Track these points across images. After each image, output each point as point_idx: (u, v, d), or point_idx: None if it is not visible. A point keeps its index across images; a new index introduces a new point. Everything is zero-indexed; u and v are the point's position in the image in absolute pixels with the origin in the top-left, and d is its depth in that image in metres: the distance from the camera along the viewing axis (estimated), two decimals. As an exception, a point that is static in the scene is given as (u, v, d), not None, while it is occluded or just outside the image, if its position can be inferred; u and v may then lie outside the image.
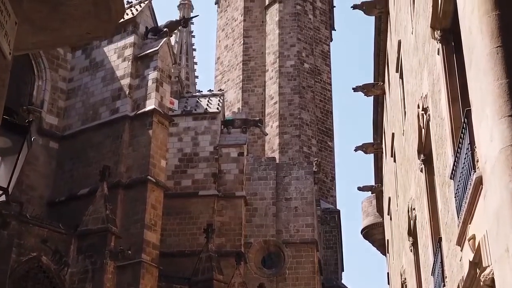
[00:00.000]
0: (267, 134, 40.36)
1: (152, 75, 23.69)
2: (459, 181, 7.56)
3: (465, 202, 7.16)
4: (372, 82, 21.88)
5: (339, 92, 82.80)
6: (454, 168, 7.81)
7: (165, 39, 24.44)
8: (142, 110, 23.35)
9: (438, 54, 9.00)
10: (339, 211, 40.83)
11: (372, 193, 28.41)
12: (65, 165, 24.31)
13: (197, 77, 56.89)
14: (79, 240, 20.30)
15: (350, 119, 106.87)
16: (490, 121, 5.98)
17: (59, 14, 4.29)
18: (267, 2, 46.80)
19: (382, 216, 27.24)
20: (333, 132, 45.08)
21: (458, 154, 7.52)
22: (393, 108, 18.28)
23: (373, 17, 19.71)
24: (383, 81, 20.99)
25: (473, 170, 6.75)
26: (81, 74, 25.48)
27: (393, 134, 18.42)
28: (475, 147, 6.67)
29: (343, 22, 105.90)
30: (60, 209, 23.32)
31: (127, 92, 23.87)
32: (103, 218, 20.28)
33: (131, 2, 26.18)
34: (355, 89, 21.94)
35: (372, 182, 27.18)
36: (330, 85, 46.55)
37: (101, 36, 4.48)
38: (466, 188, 7.13)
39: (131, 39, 24.69)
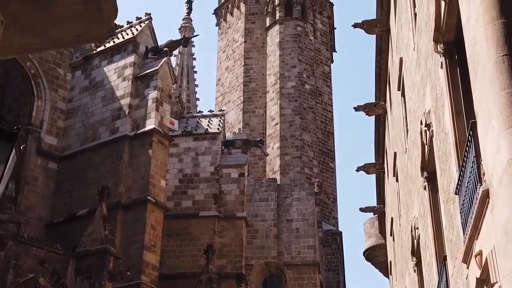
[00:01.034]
0: (268, 154, 40.20)
1: (152, 94, 23.58)
2: (465, 196, 7.38)
3: (471, 217, 6.98)
4: (374, 101, 21.76)
5: (340, 112, 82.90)
6: (459, 183, 7.64)
7: (165, 58, 24.35)
8: (142, 130, 23.20)
9: (442, 68, 8.86)
10: (341, 232, 40.55)
11: (374, 214, 28.21)
12: (64, 185, 24.11)
13: (198, 99, 56.87)
14: (77, 261, 20.04)
15: (351, 139, 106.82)
16: (496, 132, 5.81)
17: (48, 14, 4.10)
18: (267, 24, 46.89)
19: (385, 238, 27.02)
20: (335, 153, 44.93)
21: (463, 168, 7.35)
22: (395, 127, 18.15)
23: (374, 36, 19.63)
24: (385, 100, 20.89)
25: (479, 184, 6.57)
26: (80, 94, 25.38)
27: (395, 153, 18.27)
28: (481, 160, 6.51)
29: (344, 42, 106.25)
30: (58, 230, 23.09)
31: (126, 112, 23.74)
32: (101, 239, 20.03)
33: (131, 22, 26.15)
34: (357, 109, 21.81)
35: (374, 203, 26.99)
36: (331, 106, 46.49)
37: (93, 39, 4.29)
38: (472, 203, 6.95)
39: (131, 58, 24.61)
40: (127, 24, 26.20)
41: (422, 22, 10.61)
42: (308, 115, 43.52)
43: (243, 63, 46.35)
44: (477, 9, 6.46)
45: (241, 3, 48.58)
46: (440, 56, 8.92)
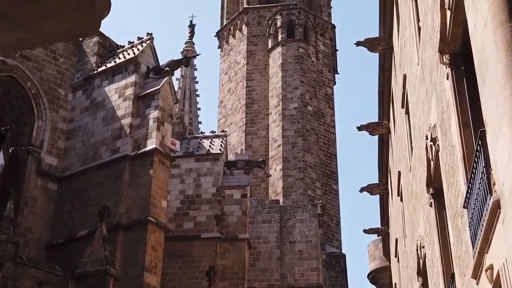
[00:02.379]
0: (270, 175, 39.95)
1: (153, 114, 23.43)
2: (474, 208, 7.18)
3: (481, 230, 6.77)
4: (377, 121, 21.65)
5: (343, 133, 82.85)
6: (468, 195, 7.44)
7: (166, 78, 24.23)
8: (143, 150, 22.99)
9: (447, 79, 8.71)
10: (345, 255, 40.14)
11: (378, 236, 28.00)
12: (64, 206, 23.87)
13: (200, 122, 56.87)
14: (77, 282, 19.73)
15: (354, 160, 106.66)
16: (508, 139, 5.61)
17: (38, 8, 3.89)
18: (270, 45, 46.90)
19: (389, 260, 26.76)
20: (338, 175, 44.65)
21: (472, 180, 7.15)
22: (398, 146, 18.05)
23: (376, 56, 19.54)
24: (388, 120, 20.79)
25: (489, 195, 6.38)
26: (81, 114, 25.23)
27: (399, 172, 18.15)
28: (491, 170, 6.32)
29: (346, 64, 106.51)
30: (58, 251, 22.80)
31: (127, 132, 23.56)
32: (101, 260, 19.74)
33: (133, 42, 26.07)
34: (360, 128, 21.69)
35: (378, 224, 26.76)
36: (334, 128, 46.32)
37: (85, 33, 4.07)
38: (482, 215, 6.74)
39: (132, 78, 24.49)
40: (128, 44, 26.12)
41: (427, 35, 10.50)
42: (310, 137, 43.35)
43: (245, 85, 46.29)
44: (485, 14, 6.31)
45: (243, 26, 48.66)
46: (446, 67, 8.78)
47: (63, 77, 25.71)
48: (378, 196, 25.03)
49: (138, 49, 25.26)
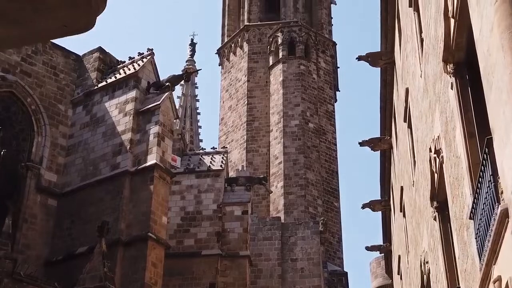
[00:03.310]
0: (272, 191, 39.78)
1: (154, 129, 23.30)
2: (480, 219, 7.03)
3: (488, 241, 6.62)
4: (379, 136, 21.57)
5: (344, 150, 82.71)
6: (474, 206, 7.30)
7: (167, 93, 24.13)
8: (143, 165, 22.84)
9: (452, 88, 8.60)
10: (347, 273, 39.85)
11: (380, 253, 27.76)
12: (63, 223, 23.67)
13: (201, 140, 56.73)
14: (76, 299, 19.51)
15: (356, 177, 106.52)
16: (516, 145, 5.47)
17: (32, 2, 3.74)
18: (271, 63, 46.91)
19: (392, 278, 26.54)
20: (339, 192, 44.48)
21: (478, 190, 7.01)
22: (401, 161, 17.98)
23: (377, 72, 19.49)
24: (390, 135, 20.71)
25: (497, 204, 6.24)
26: (81, 130, 25.11)
27: (401, 187, 18.05)
28: (499, 178, 6.17)
29: (347, 81, 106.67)
30: (57, 268, 22.57)
31: (128, 147, 23.43)
32: (100, 276, 19.52)
33: (133, 57, 26.02)
34: (362, 144, 21.62)
35: (380, 241, 26.57)
36: (335, 145, 46.19)
37: (80, 30, 3.92)
38: (489, 226, 6.59)
39: (132, 93, 24.39)
40: (129, 60, 26.07)
41: (430, 46, 10.41)
42: (312, 154, 43.21)
43: (246, 102, 46.25)
44: (491, 19, 6.20)
45: (244, 43, 48.70)
46: (450, 76, 8.67)
47: (63, 93, 25.64)
48: (380, 213, 24.89)
49: (139, 65, 25.20)
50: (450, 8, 8.06)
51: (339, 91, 51.17)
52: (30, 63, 25.00)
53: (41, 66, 25.25)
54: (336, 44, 50.82)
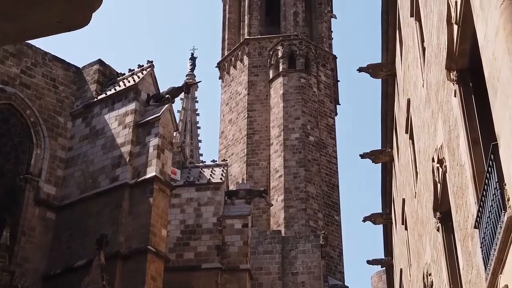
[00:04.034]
0: (272, 204, 39.62)
1: (153, 141, 23.17)
2: (486, 227, 6.90)
3: (495, 250, 6.48)
4: (380, 148, 21.50)
5: (345, 164, 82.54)
6: (479, 214, 7.16)
7: (167, 105, 24.02)
8: (143, 178, 22.68)
9: (455, 96, 8.49)
10: (348, 287, 39.61)
11: (382, 267, 27.62)
12: (62, 236, 23.48)
13: (201, 155, 56.60)
14: (74, 313, 19.30)
15: (356, 190, 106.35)
16: (523, 151, 5.36)
17: (26, -3, 3.62)
18: (271, 76, 46.87)
19: (393, 292, 26.37)
20: (340, 206, 44.30)
21: (483, 198, 6.88)
22: (402, 173, 17.90)
23: (378, 87, 19.45)
24: (391, 148, 20.64)
25: (503, 211, 6.10)
26: (80, 143, 24.97)
27: (403, 200, 17.96)
28: (505, 185, 6.05)
29: (348, 95, 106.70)
30: (56, 282, 22.37)
31: (127, 160, 23.28)
32: (99, 290, 19.34)
33: (133, 69, 25.94)
34: (363, 156, 21.56)
35: (381, 255, 26.41)
36: (336, 158, 46.06)
37: (75, 26, 3.80)
38: (495, 234, 6.46)
39: (132, 106, 24.28)
40: (129, 72, 25.99)
41: (432, 54, 10.34)
42: (312, 167, 43.07)
43: (246, 116, 46.18)
44: (496, 22, 6.10)
45: (244, 56, 48.71)
46: (453, 84, 8.57)
47: (62, 105, 25.53)
48: (381, 226, 24.78)
49: (139, 77, 25.11)
50: (453, 14, 7.98)
51: (340, 104, 51.17)
52: (30, 75, 24.93)
53: (41, 78, 25.17)
54: (337, 58, 50.88)
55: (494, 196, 6.40)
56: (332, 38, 51.87)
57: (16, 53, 24.81)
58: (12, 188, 23.47)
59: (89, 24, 3.77)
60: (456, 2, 7.77)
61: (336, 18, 53.60)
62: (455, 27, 8.01)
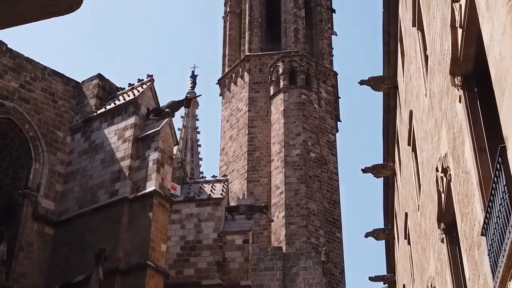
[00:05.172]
0: (273, 220, 39.39)
1: (153, 156, 22.99)
2: (494, 234, 6.71)
3: (503, 256, 6.30)
4: (382, 163, 21.37)
5: (346, 181, 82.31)
6: (486, 221, 6.97)
7: (166, 119, 23.88)
8: (142, 192, 22.47)
9: (460, 102, 8.34)
10: (349, 305, 39.27)
11: (384, 284, 27.38)
12: (60, 251, 23.23)
13: (202, 172, 56.44)
14: (72, 329, 19.02)
15: (358, 207, 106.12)
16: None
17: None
18: (271, 92, 46.82)
19: (396, 310, 26.10)
20: (341, 223, 44.06)
21: (490, 203, 6.70)
22: (405, 186, 17.77)
23: (380, 102, 19.36)
24: (393, 162, 20.52)
25: (512, 216, 5.90)
26: (80, 157, 24.79)
27: (406, 213, 17.82)
28: (514, 188, 5.86)
29: (349, 111, 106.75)
30: (54, 298, 22.11)
31: (126, 174, 23.08)
32: (98, 306, 19.08)
33: (133, 84, 25.84)
34: (364, 170, 21.43)
35: (384, 271, 26.19)
36: (337, 175, 45.88)
37: (65, 10, 3.63)
38: (504, 239, 6.26)
39: (132, 120, 24.12)
40: (128, 86, 25.89)
41: (435, 62, 10.22)
42: (313, 184, 42.87)
43: (247, 132, 46.06)
44: (503, 20, 5.95)
45: (245, 73, 48.70)
46: (458, 89, 8.42)
47: (62, 120, 25.39)
48: (383, 242, 24.62)
49: (138, 91, 24.99)
50: (457, 18, 7.85)
51: (340, 121, 51.04)
52: (29, 89, 24.81)
53: (40, 92, 25.05)
54: (337, 74, 50.88)
55: (502, 200, 6.24)
56: (333, 55, 51.93)
57: (15, 67, 24.72)
58: (10, 203, 23.27)
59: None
60: (460, 5, 7.64)
61: (336, 35, 53.71)
62: (460, 31, 7.88)
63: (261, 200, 41.56)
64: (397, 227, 21.40)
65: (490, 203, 6.70)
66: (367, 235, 23.37)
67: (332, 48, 52.20)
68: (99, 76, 26.37)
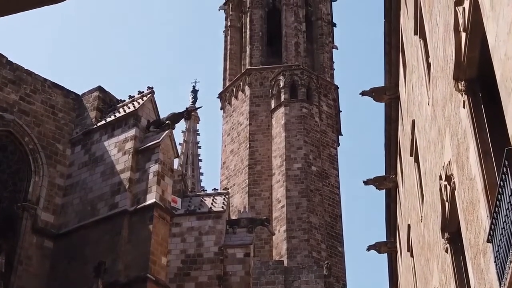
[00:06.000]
0: (275, 233, 39.15)
1: (153, 168, 22.83)
2: (500, 240, 6.56)
3: (510, 262, 6.15)
4: (384, 175, 21.25)
5: (348, 193, 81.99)
6: (492, 227, 6.81)
7: (167, 131, 23.74)
8: (142, 204, 22.28)
9: (464, 107, 8.21)
10: (352, 319, 38.96)
11: (387, 297, 27.12)
12: (60, 264, 23.00)
13: (203, 187, 56.24)
14: None
15: (360, 220, 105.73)
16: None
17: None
18: (273, 106, 46.74)
19: (399, 325, 25.85)
20: (343, 236, 43.79)
21: (497, 208, 6.54)
22: (407, 198, 17.64)
23: (382, 118, 19.26)
24: (395, 173, 20.38)
25: (519, 220, 5.75)
26: (80, 170, 24.63)
27: (408, 225, 17.67)
28: (521, 192, 5.71)
29: (350, 124, 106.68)
30: (52, 312, 21.88)
31: (126, 186, 22.91)
32: (97, 319, 18.86)
33: (133, 96, 25.75)
34: (366, 182, 21.30)
35: (386, 286, 25.97)
36: (338, 189, 45.68)
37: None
38: (511, 245, 6.10)
39: (132, 132, 23.98)
40: (129, 98, 25.80)
41: (438, 69, 10.11)
42: (315, 197, 42.67)
43: (248, 146, 45.92)
44: (508, 20, 5.85)
45: (246, 87, 48.66)
46: (461, 94, 8.30)
47: (61, 132, 25.26)
48: (386, 256, 24.43)
49: (139, 103, 24.88)
50: (460, 21, 7.74)
51: (342, 135, 50.92)
52: (29, 102, 24.71)
53: (40, 105, 24.94)
54: (338, 88, 50.82)
55: (509, 204, 6.09)
56: (334, 69, 51.91)
57: (15, 79, 24.63)
58: (10, 216, 23.08)
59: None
60: (464, 8, 7.53)
61: (337, 49, 53.75)
62: (463, 35, 7.77)
63: (262, 214, 41.32)
64: (400, 239, 21.25)
65: (496, 208, 6.55)
66: (369, 248, 23.23)
67: (333, 62, 52.22)
68: (99, 89, 26.28)
